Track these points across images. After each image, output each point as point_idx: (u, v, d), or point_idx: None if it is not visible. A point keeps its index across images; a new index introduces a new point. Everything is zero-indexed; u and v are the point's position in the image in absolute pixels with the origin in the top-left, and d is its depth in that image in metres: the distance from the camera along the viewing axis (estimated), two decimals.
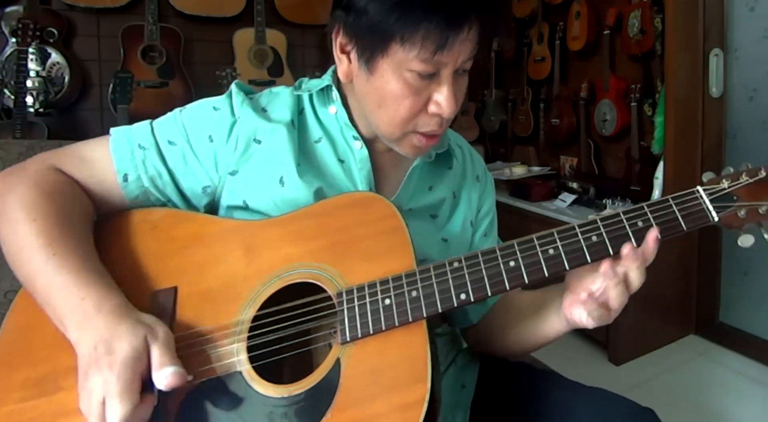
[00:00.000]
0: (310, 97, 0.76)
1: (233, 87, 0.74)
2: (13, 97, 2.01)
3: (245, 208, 0.70)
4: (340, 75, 0.70)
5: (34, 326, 0.61)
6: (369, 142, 0.75)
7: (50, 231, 0.59)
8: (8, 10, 2.16)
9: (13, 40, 2.09)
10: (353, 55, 0.67)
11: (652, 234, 0.57)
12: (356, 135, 0.73)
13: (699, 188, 0.61)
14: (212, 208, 0.75)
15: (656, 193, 2.00)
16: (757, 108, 1.87)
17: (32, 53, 2.12)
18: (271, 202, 0.69)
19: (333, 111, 0.75)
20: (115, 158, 0.68)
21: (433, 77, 0.63)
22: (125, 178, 0.68)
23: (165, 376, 0.52)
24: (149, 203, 0.71)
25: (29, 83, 2.05)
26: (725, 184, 0.61)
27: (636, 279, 0.58)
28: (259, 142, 0.71)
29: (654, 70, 2.12)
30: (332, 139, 0.75)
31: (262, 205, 0.70)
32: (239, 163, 0.70)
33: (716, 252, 2.00)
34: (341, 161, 0.74)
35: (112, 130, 0.71)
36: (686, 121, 1.92)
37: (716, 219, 0.60)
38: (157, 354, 0.53)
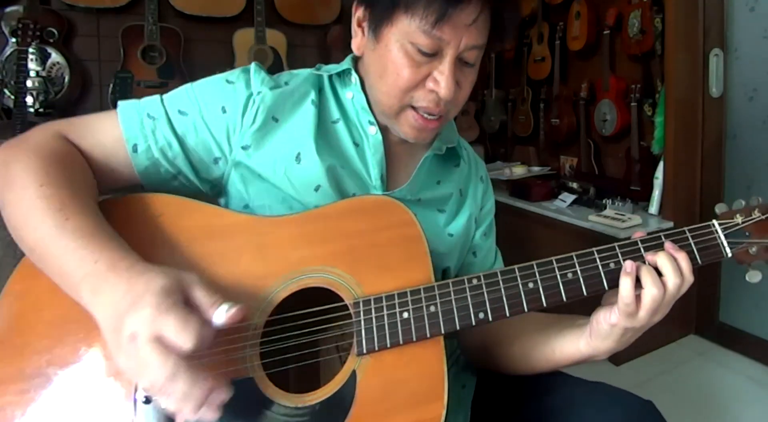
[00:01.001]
0: (330, 78, 0.77)
1: (253, 66, 0.73)
2: (13, 97, 2.01)
3: (259, 178, 0.70)
4: (354, 48, 0.72)
5: (29, 315, 0.59)
6: (384, 130, 0.75)
7: (60, 196, 0.58)
8: (8, 10, 2.16)
9: (13, 40, 2.09)
10: (366, 26, 0.69)
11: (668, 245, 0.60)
12: (372, 120, 0.73)
13: (714, 222, 0.62)
14: (222, 182, 0.73)
15: (656, 193, 2.00)
16: (757, 108, 1.87)
17: (32, 53, 2.12)
18: (286, 178, 0.70)
19: (350, 96, 0.75)
20: (124, 128, 0.67)
21: (435, 56, 0.65)
22: (135, 149, 0.67)
23: (224, 313, 0.51)
24: (159, 175, 0.69)
25: (29, 83, 2.06)
26: (739, 219, 0.62)
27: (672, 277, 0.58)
28: (276, 120, 0.71)
29: (654, 70, 2.12)
30: (349, 121, 0.75)
31: (276, 180, 0.70)
32: (254, 138, 0.70)
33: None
34: (356, 144, 0.74)
35: (120, 102, 0.69)
36: (686, 121, 1.92)
37: (730, 255, 0.61)
38: (202, 293, 0.52)
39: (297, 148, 0.70)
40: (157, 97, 0.71)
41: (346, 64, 0.76)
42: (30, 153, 0.61)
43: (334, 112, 0.75)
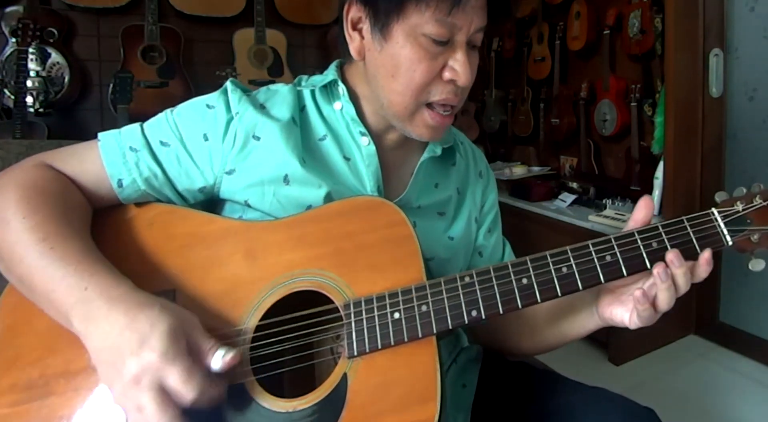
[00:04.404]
0: (312, 93, 0.74)
1: (228, 84, 0.71)
2: (13, 97, 2.02)
3: (247, 206, 0.69)
4: (353, 52, 0.70)
5: (21, 327, 0.59)
6: (377, 138, 0.73)
7: (44, 226, 0.57)
8: (8, 10, 2.16)
9: (13, 40, 2.09)
10: (366, 28, 0.67)
11: (705, 257, 0.58)
12: (363, 130, 0.72)
13: (714, 210, 0.60)
14: (212, 204, 0.73)
15: (656, 193, 2.00)
16: (757, 108, 1.87)
17: (32, 53, 2.12)
18: (276, 201, 0.68)
19: (338, 107, 0.73)
20: (107, 164, 0.65)
21: (447, 45, 0.64)
22: (120, 184, 0.65)
23: (221, 359, 0.52)
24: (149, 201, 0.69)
25: (29, 83, 2.06)
26: (739, 206, 0.59)
27: (683, 284, 0.58)
28: (258, 138, 0.68)
29: (654, 70, 2.12)
30: (337, 136, 0.73)
31: (265, 204, 0.68)
32: (237, 160, 0.68)
33: (716, 253, 1.99)
34: (347, 159, 0.72)
35: (100, 135, 0.68)
36: (686, 121, 1.92)
37: (730, 243, 0.59)
38: (201, 337, 0.53)
39: (283, 169, 0.68)
40: (137, 126, 0.69)
41: (331, 74, 0.74)
42: (11, 186, 0.61)
43: (320, 129, 0.72)
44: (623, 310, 0.62)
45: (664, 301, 0.58)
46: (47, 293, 0.55)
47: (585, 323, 0.68)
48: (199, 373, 0.50)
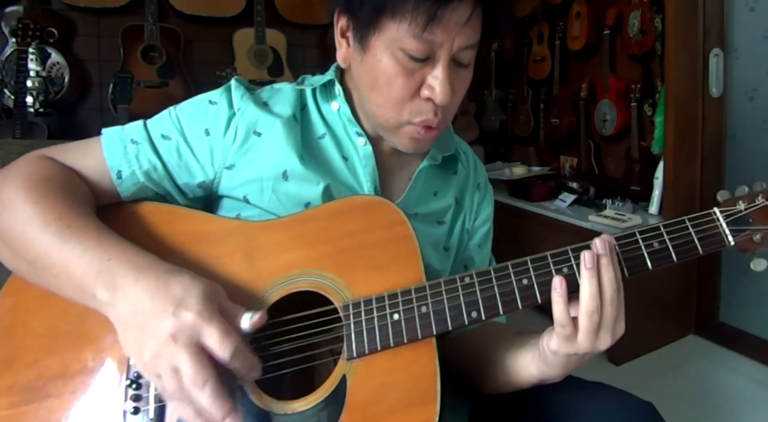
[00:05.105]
0: (313, 92, 0.74)
1: (233, 82, 0.72)
2: (13, 97, 2.01)
3: (245, 202, 0.69)
4: (339, 60, 0.70)
5: (18, 328, 0.59)
6: (374, 141, 0.73)
7: (57, 207, 0.57)
8: (8, 10, 2.16)
9: (13, 40, 2.09)
10: (351, 37, 0.67)
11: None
12: (360, 131, 0.72)
13: (716, 210, 0.59)
14: (211, 201, 0.73)
15: (656, 193, 2.00)
16: (757, 108, 1.86)
17: (32, 53, 2.12)
18: (274, 197, 0.68)
19: (336, 107, 0.73)
20: (107, 155, 0.66)
21: (427, 61, 0.62)
22: (119, 175, 0.66)
23: (248, 320, 0.52)
24: (147, 199, 0.69)
25: (29, 83, 2.06)
26: (742, 205, 0.59)
27: (607, 279, 0.53)
28: (259, 134, 0.69)
29: (654, 70, 2.12)
30: (336, 135, 0.73)
31: (263, 201, 0.68)
32: (237, 156, 0.68)
33: (716, 252, 1.99)
34: (345, 159, 0.72)
35: (104, 130, 0.69)
36: (686, 121, 1.92)
37: (732, 243, 0.58)
38: (227, 302, 0.53)
39: (283, 165, 0.68)
40: (140, 122, 0.69)
41: (330, 74, 0.74)
42: (18, 177, 0.61)
43: (320, 127, 0.73)
44: (548, 332, 0.57)
45: (585, 294, 0.52)
46: (66, 269, 0.55)
47: (530, 368, 0.61)
48: (234, 333, 0.50)
